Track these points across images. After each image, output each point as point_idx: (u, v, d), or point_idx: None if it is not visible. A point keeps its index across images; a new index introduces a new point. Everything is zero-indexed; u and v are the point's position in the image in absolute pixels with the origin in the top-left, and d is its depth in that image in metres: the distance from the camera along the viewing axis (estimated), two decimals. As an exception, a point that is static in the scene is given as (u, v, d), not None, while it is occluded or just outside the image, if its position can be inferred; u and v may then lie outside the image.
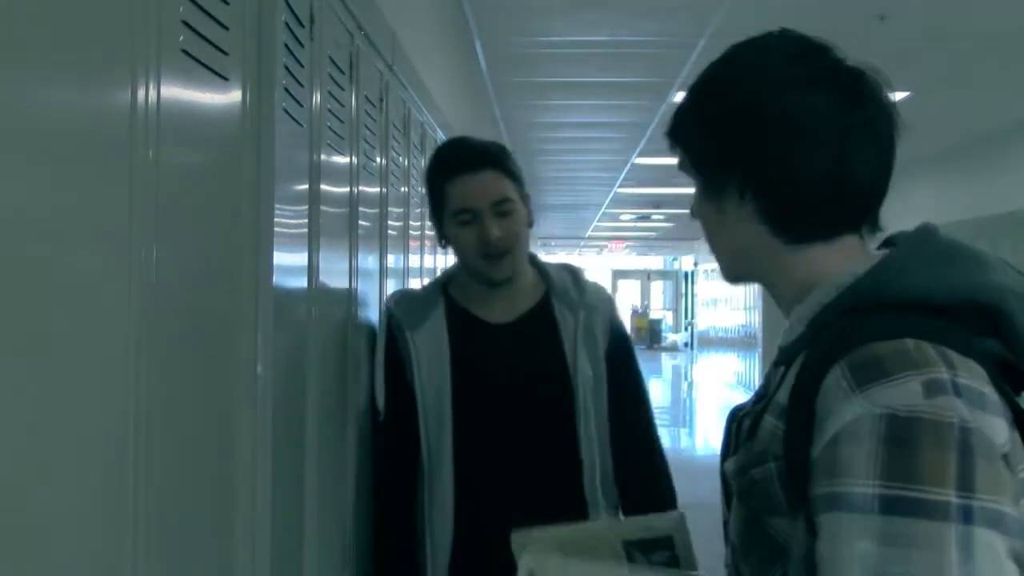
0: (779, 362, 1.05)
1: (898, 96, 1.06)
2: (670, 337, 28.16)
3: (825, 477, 0.88)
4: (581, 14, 5.28)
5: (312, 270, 1.57)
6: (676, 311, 30.75)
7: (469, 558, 1.93)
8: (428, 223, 2.93)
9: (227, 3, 1.17)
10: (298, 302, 1.52)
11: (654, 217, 17.09)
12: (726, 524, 1.10)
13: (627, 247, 26.16)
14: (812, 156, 1.01)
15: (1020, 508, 0.86)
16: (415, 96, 2.83)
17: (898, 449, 0.84)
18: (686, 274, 28.52)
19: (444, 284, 2.06)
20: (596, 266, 29.12)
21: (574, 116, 8.38)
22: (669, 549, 1.30)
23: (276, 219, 1.33)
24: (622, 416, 2.00)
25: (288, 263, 1.43)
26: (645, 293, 31.88)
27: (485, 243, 1.91)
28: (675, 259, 30.15)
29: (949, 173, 9.59)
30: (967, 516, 0.82)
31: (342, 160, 1.82)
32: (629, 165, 10.78)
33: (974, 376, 0.90)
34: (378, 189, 2.24)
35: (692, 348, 24.17)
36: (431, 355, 1.95)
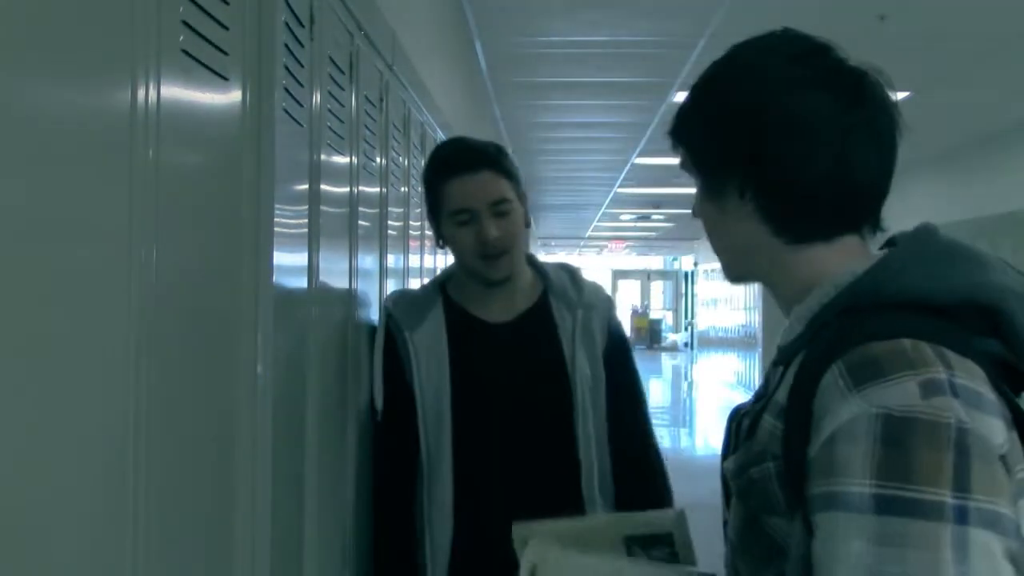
0: (778, 362, 1.05)
1: (898, 96, 1.06)
2: (670, 337, 28.16)
3: (821, 477, 0.88)
4: (581, 14, 5.28)
5: (312, 270, 1.57)
6: (676, 311, 30.74)
7: (469, 557, 1.93)
8: (427, 223, 2.93)
9: (227, 3, 1.17)
10: (298, 302, 1.52)
11: (654, 217, 17.09)
12: (726, 524, 1.10)
13: (627, 247, 26.16)
14: (813, 156, 1.01)
15: (1018, 509, 0.86)
16: (415, 96, 2.83)
17: (894, 449, 0.84)
18: (686, 274, 28.52)
19: (442, 284, 2.06)
20: (596, 266, 29.13)
21: (574, 116, 8.39)
22: (669, 546, 1.30)
23: (276, 219, 1.33)
24: (620, 415, 2.00)
25: (288, 263, 1.43)
26: (645, 293, 31.87)
27: (483, 243, 1.91)
28: (675, 259, 30.16)
29: (949, 173, 9.59)
30: (962, 516, 0.82)
31: (342, 160, 1.82)
32: (629, 165, 10.78)
33: (972, 376, 0.90)
34: (378, 189, 2.24)
35: (692, 348, 24.17)
36: (430, 355, 1.95)
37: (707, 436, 11.56)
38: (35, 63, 0.73)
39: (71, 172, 0.79)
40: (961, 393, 0.87)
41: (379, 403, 1.97)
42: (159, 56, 0.96)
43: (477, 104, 6.77)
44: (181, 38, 1.03)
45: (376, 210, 2.22)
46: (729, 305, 17.88)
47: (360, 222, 1.96)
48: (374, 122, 2.16)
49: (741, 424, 1.07)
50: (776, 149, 1.02)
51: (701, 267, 23.42)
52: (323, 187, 1.63)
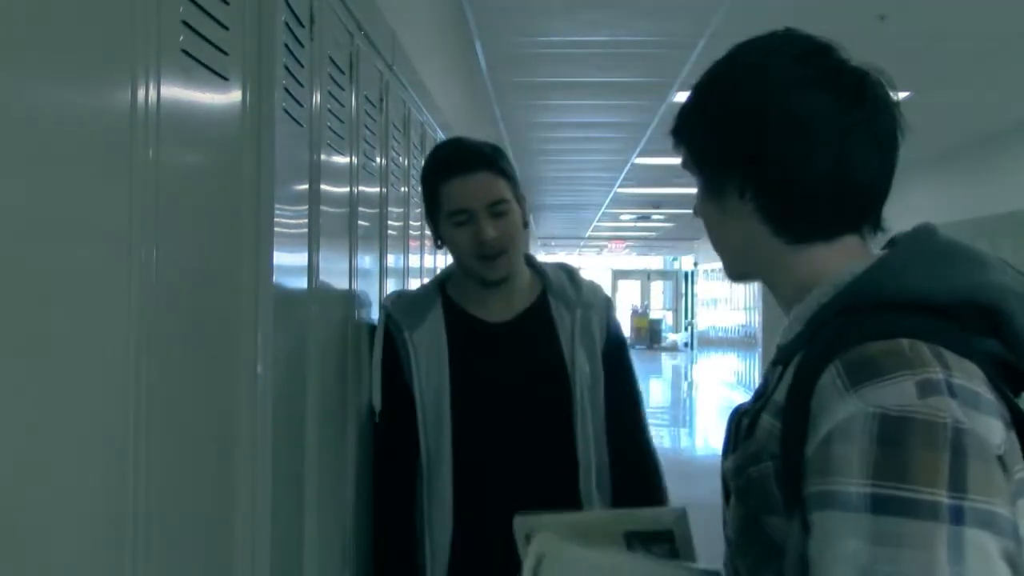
0: (777, 361, 1.05)
1: (899, 96, 1.06)
2: (670, 337, 28.16)
3: (818, 476, 0.88)
4: (581, 14, 5.28)
5: (312, 270, 1.57)
6: (676, 311, 30.74)
7: (469, 557, 1.93)
8: (426, 223, 2.93)
9: (227, 3, 1.17)
10: (298, 302, 1.52)
11: (654, 217, 17.09)
12: (726, 523, 1.11)
13: (627, 247, 26.17)
14: (813, 156, 1.01)
15: (1016, 509, 0.86)
16: (415, 96, 2.83)
17: (890, 448, 0.84)
18: (686, 274, 28.52)
19: (441, 284, 2.06)
20: (596, 266, 29.14)
21: (574, 116, 8.38)
22: (669, 543, 1.30)
23: (276, 219, 1.33)
24: (617, 415, 2.01)
25: (288, 263, 1.43)
26: (645, 293, 31.88)
27: (480, 244, 1.91)
28: (675, 259, 30.16)
29: (949, 173, 9.59)
30: (958, 516, 0.82)
31: (342, 160, 1.82)
32: (629, 165, 10.78)
33: (970, 377, 0.90)
34: (378, 189, 2.24)
35: (692, 348, 24.17)
36: (429, 355, 1.95)
37: (707, 436, 11.56)
38: (35, 63, 0.73)
39: (71, 172, 0.79)
40: (958, 393, 0.87)
41: (377, 403, 1.97)
42: (159, 56, 0.96)
43: (477, 104, 6.77)
44: (181, 38, 1.03)
45: (376, 210, 2.22)
46: (729, 305, 17.89)
47: (360, 222, 1.96)
48: (374, 122, 2.16)
49: (741, 423, 1.07)
50: (776, 149, 1.02)
51: (701, 267, 23.42)
52: (323, 187, 1.63)
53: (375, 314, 2.08)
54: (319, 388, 1.63)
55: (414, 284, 2.71)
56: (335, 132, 1.74)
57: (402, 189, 2.61)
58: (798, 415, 0.93)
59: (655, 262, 31.55)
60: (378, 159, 2.23)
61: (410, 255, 2.78)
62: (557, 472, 1.94)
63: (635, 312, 28.00)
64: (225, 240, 1.21)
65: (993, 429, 0.88)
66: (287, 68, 1.42)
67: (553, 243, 24.61)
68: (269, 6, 1.33)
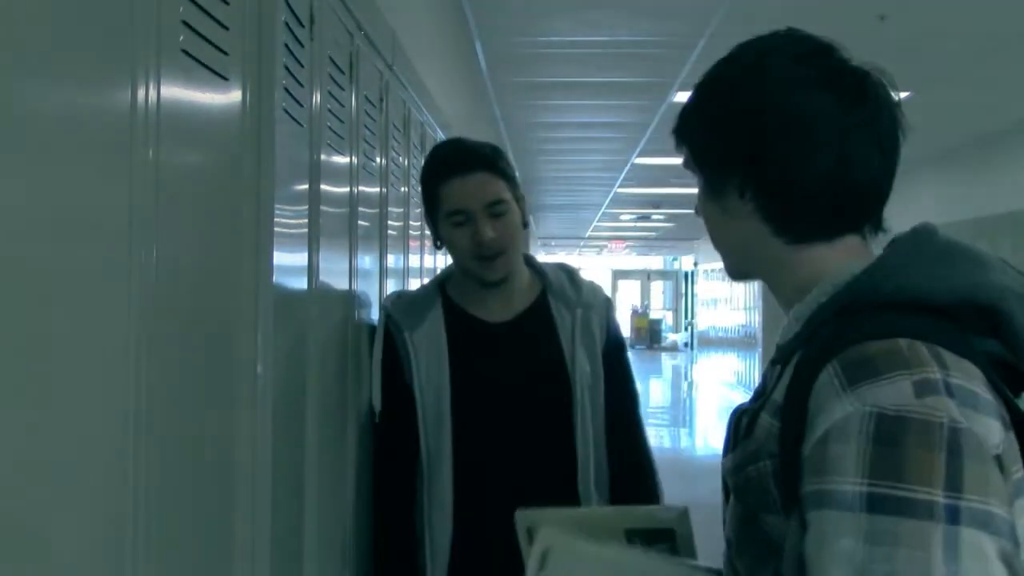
0: (777, 360, 1.05)
1: (900, 96, 1.06)
2: (670, 337, 28.16)
3: (814, 475, 0.88)
4: (581, 14, 5.28)
5: (312, 270, 1.57)
6: (676, 311, 30.74)
7: (469, 557, 1.93)
8: (426, 223, 2.93)
9: (227, 3, 1.17)
10: (298, 302, 1.52)
11: (654, 217, 17.09)
12: (726, 522, 1.11)
13: (627, 247, 26.17)
14: (813, 156, 1.01)
15: (1014, 509, 0.86)
16: (415, 96, 2.83)
17: (886, 448, 0.84)
18: (686, 274, 28.52)
19: (441, 284, 2.07)
20: (596, 266, 29.13)
21: (574, 116, 8.38)
22: (670, 541, 1.30)
23: (276, 219, 1.33)
24: (615, 414, 2.01)
25: (288, 263, 1.43)
26: (645, 293, 31.88)
27: (478, 244, 1.91)
28: (675, 259, 30.16)
29: (949, 173, 9.59)
30: (953, 516, 0.82)
31: (342, 160, 1.82)
32: (629, 165, 10.78)
33: (968, 377, 0.90)
34: (378, 189, 2.24)
35: (692, 348, 24.17)
36: (429, 355, 1.96)
37: (707, 436, 11.56)
38: (35, 63, 0.73)
39: (71, 172, 0.79)
40: (956, 393, 0.87)
41: (377, 404, 1.97)
42: (159, 56, 0.96)
43: (477, 104, 6.77)
44: (181, 38, 1.03)
45: (376, 210, 2.22)
46: (729, 305, 17.89)
47: (360, 222, 1.96)
48: (374, 122, 2.16)
49: (740, 423, 1.07)
50: (777, 149, 1.02)
51: (701, 267, 23.42)
52: (323, 187, 1.63)
53: (375, 314, 2.08)
54: (319, 388, 1.63)
55: (414, 284, 2.71)
56: (335, 132, 1.74)
57: (402, 189, 2.61)
58: (796, 414, 0.93)
59: (655, 262, 31.56)
60: (378, 159, 2.23)
61: (410, 255, 2.78)
62: (557, 471, 1.94)
63: (635, 312, 27.99)
64: (225, 240, 1.21)
65: (991, 429, 0.87)
66: (287, 68, 1.42)
67: (553, 243, 24.61)
68: (269, 6, 1.33)
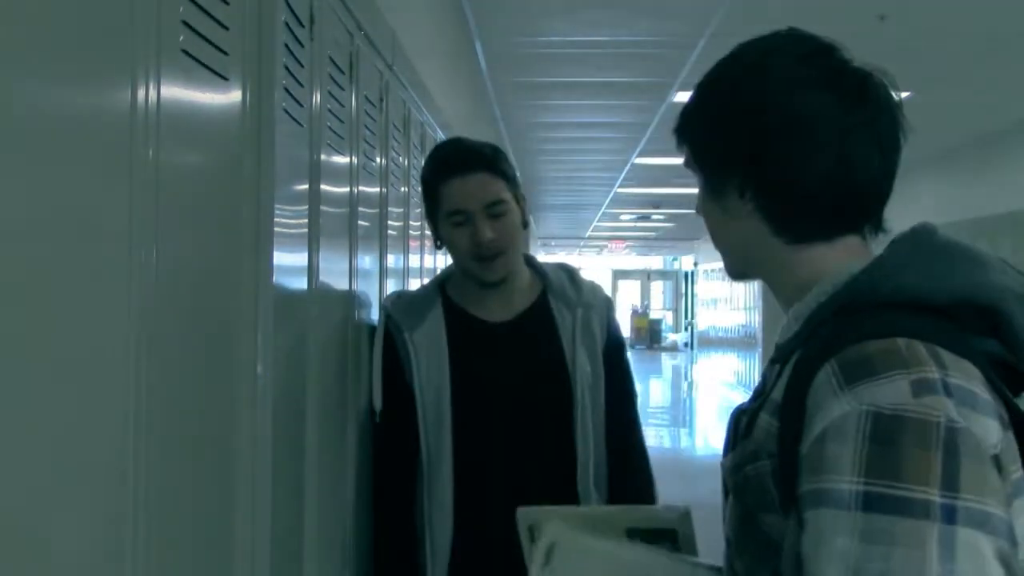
0: (776, 360, 1.05)
1: (900, 96, 1.06)
2: (670, 337, 28.16)
3: (811, 473, 0.88)
4: (581, 14, 5.28)
5: (312, 270, 1.57)
6: (676, 311, 30.74)
7: (469, 557, 1.93)
8: (426, 223, 2.93)
9: (227, 3, 1.17)
10: (298, 302, 1.52)
11: (654, 217, 17.09)
12: (726, 521, 1.11)
13: (627, 247, 26.16)
14: (814, 156, 1.01)
15: (1013, 510, 0.86)
16: (415, 96, 2.83)
17: (882, 447, 0.84)
18: (686, 274, 28.52)
19: (441, 284, 2.07)
20: (596, 266, 29.13)
21: (574, 116, 8.38)
22: (671, 542, 1.30)
23: (276, 219, 1.33)
24: (614, 414, 2.01)
25: (288, 263, 1.43)
26: (645, 293, 31.88)
27: (477, 244, 1.91)
28: (675, 259, 30.16)
29: (949, 173, 9.59)
30: (950, 516, 0.82)
31: (342, 160, 1.82)
32: (629, 165, 10.78)
33: (967, 376, 0.90)
34: (378, 189, 2.24)
35: (692, 348, 24.17)
36: (429, 355, 1.96)
37: (707, 436, 11.55)
38: (35, 63, 0.73)
39: (71, 172, 0.79)
40: (954, 392, 0.87)
41: (378, 404, 1.97)
42: (159, 56, 0.96)
43: (477, 104, 6.77)
44: (181, 38, 1.03)
45: (376, 210, 2.22)
46: (729, 305, 17.88)
47: (360, 222, 1.96)
48: (374, 122, 2.16)
49: (740, 422, 1.07)
50: (777, 149, 1.02)
51: (701, 267, 23.41)
52: (323, 187, 1.63)
53: (375, 314, 2.08)
54: (319, 388, 1.63)
55: (414, 284, 2.71)
56: (335, 132, 1.74)
57: (402, 189, 2.61)
58: (794, 413, 0.93)
59: (655, 262, 31.56)
60: (378, 159, 2.23)
61: (410, 255, 2.78)
62: (557, 471, 1.94)
63: (635, 312, 27.99)
64: (225, 240, 1.21)
65: (989, 429, 0.87)
66: (287, 68, 1.42)
67: (553, 243, 24.60)
68: (269, 6, 1.33)
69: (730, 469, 1.05)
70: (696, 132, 1.11)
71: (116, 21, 0.88)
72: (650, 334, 26.65)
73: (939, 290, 0.95)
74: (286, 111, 1.41)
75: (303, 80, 1.51)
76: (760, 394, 1.06)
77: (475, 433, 1.94)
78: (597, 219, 18.01)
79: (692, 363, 22.51)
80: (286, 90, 1.41)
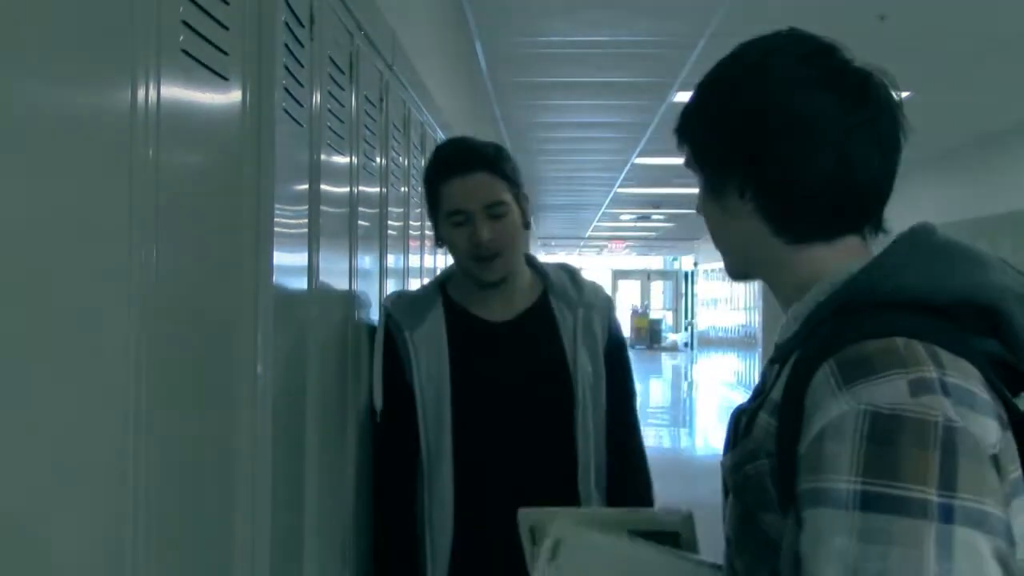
0: (775, 359, 1.05)
1: (901, 96, 1.06)
2: (670, 337, 28.16)
3: (810, 473, 0.88)
4: (581, 14, 5.27)
5: (312, 270, 1.57)
6: (676, 311, 30.74)
7: (469, 557, 1.93)
8: (428, 223, 2.93)
9: (227, 3, 1.17)
10: (298, 302, 1.52)
11: (654, 217, 17.08)
12: (725, 521, 1.11)
13: (627, 247, 26.16)
14: (814, 156, 1.01)
15: (1011, 509, 0.86)
16: (415, 96, 2.83)
17: (881, 446, 0.84)
18: (686, 274, 28.52)
19: (442, 283, 2.07)
20: (596, 266, 29.13)
21: (574, 116, 8.38)
22: (673, 545, 1.30)
23: (276, 219, 1.33)
24: (615, 414, 2.01)
25: (288, 263, 1.43)
26: (645, 293, 31.87)
27: (476, 245, 1.91)
28: (675, 259, 30.16)
29: (949, 173, 9.58)
30: (947, 515, 0.82)
31: (342, 160, 1.82)
32: (629, 165, 10.78)
33: (966, 376, 0.90)
34: (378, 189, 2.24)
35: (692, 348, 24.16)
36: (430, 354, 1.96)
37: (707, 436, 11.55)
38: (35, 63, 0.73)
39: (71, 172, 0.79)
40: (952, 392, 0.87)
41: (378, 403, 1.97)
42: (159, 56, 0.96)
43: (477, 104, 6.77)
44: (181, 38, 1.03)
45: (376, 210, 2.22)
46: (729, 305, 17.88)
47: (360, 222, 1.96)
48: (374, 122, 2.16)
49: (740, 422, 1.07)
50: (777, 149, 1.02)
51: (701, 267, 23.41)
52: (323, 187, 1.63)
53: (375, 314, 2.08)
54: (319, 388, 1.63)
55: (414, 284, 2.71)
56: (335, 132, 1.74)
57: (402, 189, 2.61)
58: (793, 413, 0.93)
59: (655, 262, 31.55)
60: (378, 159, 2.23)
61: (410, 255, 2.78)
62: (558, 471, 1.94)
63: (635, 312, 27.99)
64: (225, 240, 1.21)
65: (988, 428, 0.87)
66: (287, 68, 1.42)
67: (553, 243, 24.60)
68: (269, 6, 1.33)
69: (730, 468, 1.05)
70: (696, 132, 1.11)
71: (116, 21, 0.88)
72: (650, 334, 26.64)
73: (938, 290, 0.95)
74: (286, 111, 1.41)
75: (303, 80, 1.51)
76: (759, 394, 1.06)
77: (475, 433, 1.94)
78: (597, 219, 18.00)
79: (692, 363, 22.51)
80: (286, 90, 1.41)
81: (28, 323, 0.73)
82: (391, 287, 2.34)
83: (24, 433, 0.72)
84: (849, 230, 1.05)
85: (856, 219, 1.06)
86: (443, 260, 3.37)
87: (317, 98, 1.61)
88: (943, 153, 9.21)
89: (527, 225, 2.02)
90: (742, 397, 1.32)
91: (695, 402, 16.09)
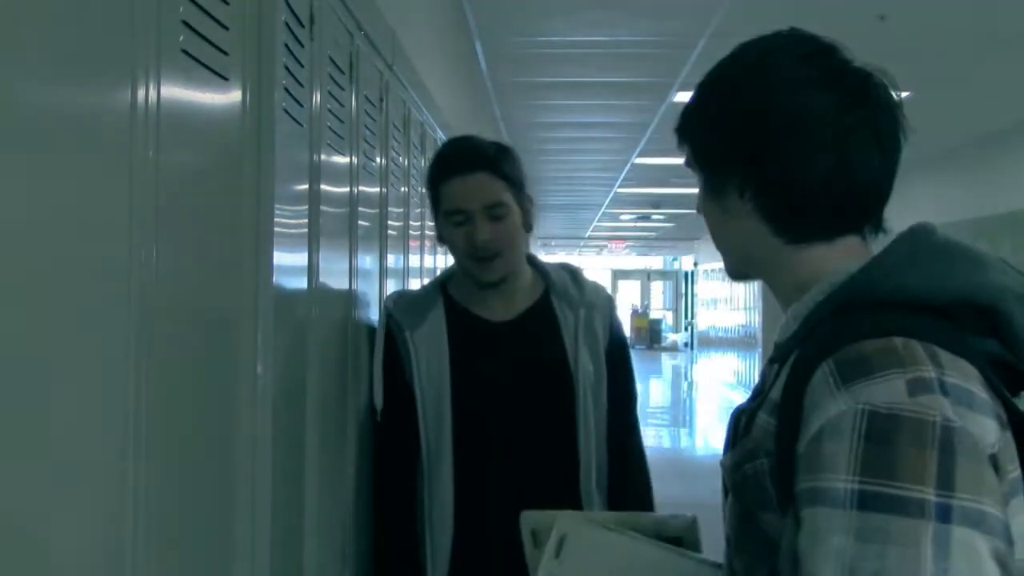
0: (774, 359, 1.05)
1: (901, 96, 1.06)
2: (670, 337, 28.16)
3: (808, 472, 0.88)
4: (581, 14, 5.28)
5: (312, 270, 1.57)
6: (676, 311, 30.74)
7: (469, 557, 1.93)
8: (428, 223, 2.93)
9: (227, 3, 1.17)
10: (298, 302, 1.52)
11: (654, 217, 17.08)
12: (725, 520, 1.11)
13: (627, 247, 26.16)
14: (814, 156, 1.01)
15: (1010, 509, 0.86)
16: (415, 96, 2.83)
17: (878, 446, 0.85)
18: (686, 274, 28.52)
19: (443, 283, 2.06)
20: (596, 266, 29.13)
21: (574, 116, 8.38)
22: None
23: (276, 219, 1.33)
24: (616, 414, 2.01)
25: (288, 263, 1.43)
26: (645, 293, 31.88)
27: (473, 245, 1.91)
28: (675, 259, 30.16)
29: (949, 173, 9.58)
30: (945, 514, 0.82)
31: (342, 160, 1.82)
32: (629, 165, 10.78)
33: (965, 376, 0.90)
34: (378, 189, 2.24)
35: (692, 348, 24.17)
36: (430, 354, 1.95)
37: (707, 436, 11.55)
38: (35, 63, 0.73)
39: (71, 172, 0.79)
40: (951, 392, 0.87)
41: (379, 403, 1.97)
42: (159, 56, 0.96)
43: (477, 104, 6.77)
44: (181, 38, 1.03)
45: (376, 210, 2.22)
46: (729, 305, 17.88)
47: (360, 222, 1.96)
48: (374, 122, 2.16)
49: (740, 421, 1.07)
50: (777, 149, 1.02)
51: (701, 267, 23.41)
52: (323, 187, 1.63)
53: (375, 314, 2.08)
54: (319, 388, 1.63)
55: (414, 284, 2.71)
56: (335, 132, 1.74)
57: (402, 189, 2.61)
58: (792, 412, 0.93)
59: (655, 262, 31.55)
60: (378, 159, 2.23)
61: (410, 255, 2.78)
62: (558, 472, 1.94)
63: (635, 312, 27.99)
64: (225, 240, 1.21)
65: (986, 428, 0.88)
66: (287, 68, 1.42)
67: (553, 243, 24.59)
68: (269, 6, 1.33)
69: (729, 468, 1.05)
70: (697, 132, 1.11)
71: (116, 21, 0.88)
72: (650, 334, 26.64)
73: (938, 290, 0.95)
74: (286, 111, 1.41)
75: (303, 80, 1.51)
76: (759, 393, 1.06)
77: (476, 433, 1.94)
78: (597, 219, 18.01)
79: (692, 363, 22.51)
80: (286, 90, 1.41)
81: (28, 323, 0.73)
82: (391, 287, 2.34)
83: (24, 433, 0.72)
84: (849, 230, 1.05)
85: (856, 219, 1.06)
86: (443, 260, 3.37)
87: (317, 98, 1.61)
88: (943, 153, 9.21)
89: (529, 228, 2.00)
90: (742, 397, 1.32)
91: (695, 402, 16.09)
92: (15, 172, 0.70)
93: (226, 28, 1.16)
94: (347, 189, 1.87)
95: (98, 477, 0.85)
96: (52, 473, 0.77)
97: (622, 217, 17.51)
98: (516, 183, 1.96)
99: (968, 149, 9.08)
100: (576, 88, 7.12)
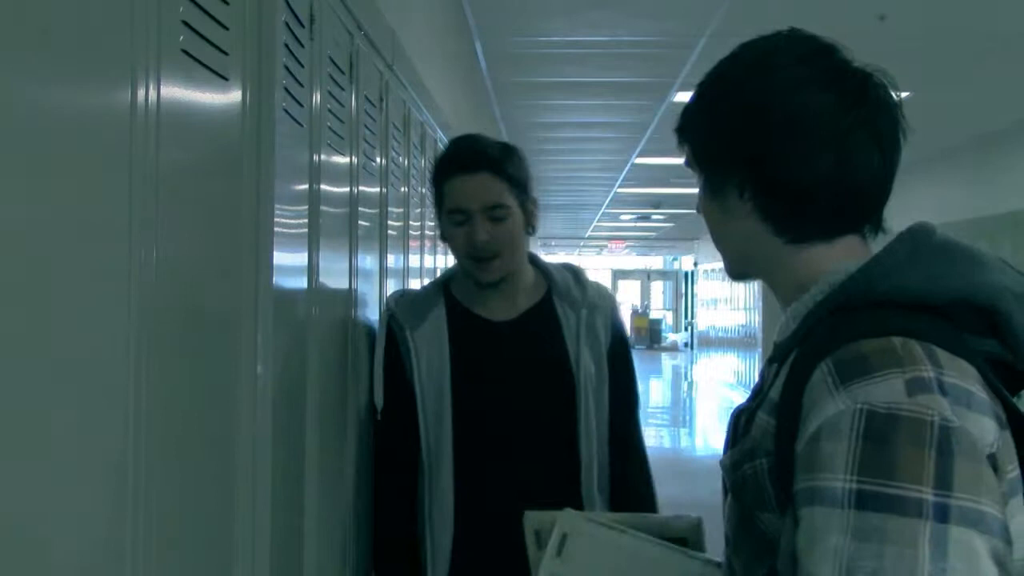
0: (773, 359, 1.05)
1: (900, 96, 1.07)
2: (670, 337, 28.16)
3: (806, 471, 0.88)
4: (581, 14, 5.27)
5: (312, 270, 1.57)
6: (676, 311, 30.74)
7: (470, 556, 1.93)
8: (428, 223, 2.94)
9: (227, 3, 1.17)
10: (298, 302, 1.52)
11: (654, 217, 17.08)
12: (725, 520, 1.11)
13: (627, 247, 26.16)
14: (814, 156, 1.01)
15: (1009, 508, 0.86)
16: (415, 96, 2.83)
17: (876, 445, 0.85)
18: (686, 274, 28.52)
19: (445, 283, 2.06)
20: (596, 266, 29.13)
21: (574, 116, 8.38)
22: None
23: (276, 219, 1.33)
24: (618, 414, 2.01)
25: (288, 263, 1.43)
26: (645, 293, 31.87)
27: (472, 246, 1.91)
28: (675, 259, 30.16)
29: (949, 173, 9.58)
30: (942, 514, 0.82)
31: (342, 160, 1.82)
32: (629, 165, 10.78)
33: (963, 375, 0.90)
34: (378, 189, 2.24)
35: (692, 348, 24.16)
36: (431, 353, 1.95)
37: (707, 436, 11.55)
38: (35, 63, 0.73)
39: (71, 172, 0.79)
40: (950, 391, 0.88)
41: (379, 402, 1.97)
42: (159, 56, 0.96)
43: (477, 104, 6.77)
44: (181, 38, 1.03)
45: (376, 210, 2.22)
46: (729, 305, 17.88)
47: (360, 222, 1.96)
48: (374, 122, 2.16)
49: (740, 421, 1.07)
50: (777, 149, 1.02)
51: (701, 267, 23.40)
52: (323, 187, 1.63)
53: (375, 314, 2.08)
54: (319, 388, 1.63)
55: (414, 284, 2.71)
56: (335, 132, 1.74)
57: (402, 189, 2.61)
58: (790, 412, 0.93)
59: (655, 262, 31.55)
60: (378, 159, 2.23)
61: (410, 255, 2.78)
62: (560, 472, 1.94)
63: (635, 312, 27.98)
64: (225, 240, 1.21)
65: (985, 428, 0.88)
66: (287, 68, 1.42)
67: (553, 243, 24.59)
68: (269, 6, 1.33)
69: (729, 467, 1.05)
70: (697, 131, 1.11)
71: (116, 21, 0.88)
72: (650, 334, 26.64)
73: (937, 289, 0.95)
74: (286, 111, 1.41)
75: (303, 80, 1.51)
76: (758, 393, 1.06)
77: (476, 432, 1.94)
78: (597, 219, 18.01)
79: (692, 363, 22.50)
80: (286, 90, 1.41)
81: (28, 323, 0.73)
82: (391, 287, 2.34)
83: (24, 433, 0.72)
84: (849, 230, 1.05)
85: (856, 219, 1.06)
86: (443, 260, 3.37)
87: (317, 98, 1.61)
88: (942, 153, 9.21)
89: (532, 230, 2.00)
90: (742, 397, 1.33)
91: (695, 402, 16.09)
92: (15, 172, 0.70)
93: (226, 28, 1.16)
94: (347, 189, 1.87)
95: (98, 477, 0.85)
96: (52, 473, 0.77)
97: (622, 217, 17.51)
98: (519, 185, 1.95)
99: (968, 149, 9.08)
100: (576, 88, 7.12)
